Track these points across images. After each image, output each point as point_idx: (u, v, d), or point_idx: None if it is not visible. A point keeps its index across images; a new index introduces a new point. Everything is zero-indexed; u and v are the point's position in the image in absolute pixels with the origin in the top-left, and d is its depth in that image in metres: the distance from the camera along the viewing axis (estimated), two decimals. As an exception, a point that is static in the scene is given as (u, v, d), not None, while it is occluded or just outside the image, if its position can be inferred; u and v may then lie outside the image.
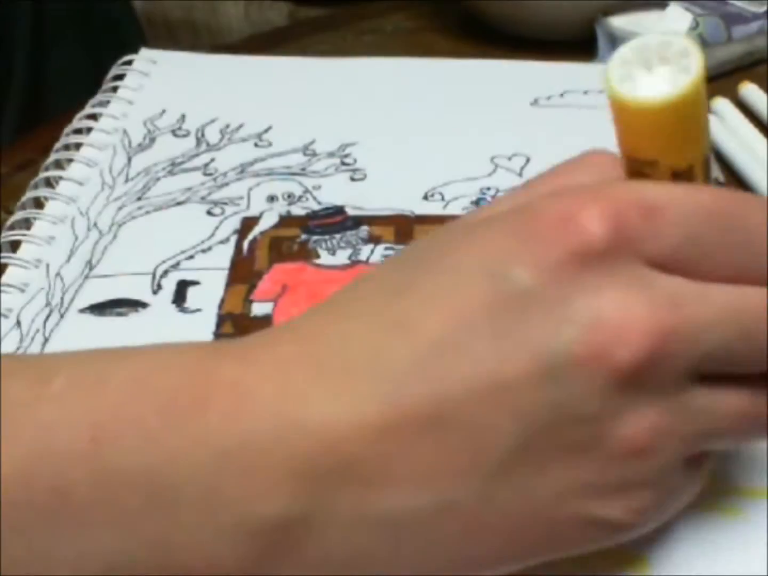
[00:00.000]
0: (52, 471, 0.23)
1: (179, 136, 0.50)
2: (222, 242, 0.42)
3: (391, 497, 0.23)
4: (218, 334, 0.37)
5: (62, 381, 0.24)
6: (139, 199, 0.45)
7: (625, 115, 0.25)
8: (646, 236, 0.24)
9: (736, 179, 0.51)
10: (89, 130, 0.49)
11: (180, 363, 0.25)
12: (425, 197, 0.45)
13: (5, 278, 0.40)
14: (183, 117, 0.51)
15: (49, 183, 0.46)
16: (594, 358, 0.23)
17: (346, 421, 0.23)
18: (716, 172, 0.49)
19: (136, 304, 0.38)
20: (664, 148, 0.25)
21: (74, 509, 0.23)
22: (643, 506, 0.25)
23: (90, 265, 0.41)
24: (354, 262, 0.40)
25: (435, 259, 0.25)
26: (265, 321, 0.37)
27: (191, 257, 0.41)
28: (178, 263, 0.41)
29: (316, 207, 0.44)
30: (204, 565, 0.23)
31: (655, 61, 0.24)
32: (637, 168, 0.26)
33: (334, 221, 0.43)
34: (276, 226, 0.43)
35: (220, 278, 0.40)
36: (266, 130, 0.50)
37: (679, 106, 0.24)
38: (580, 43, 0.61)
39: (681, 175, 0.25)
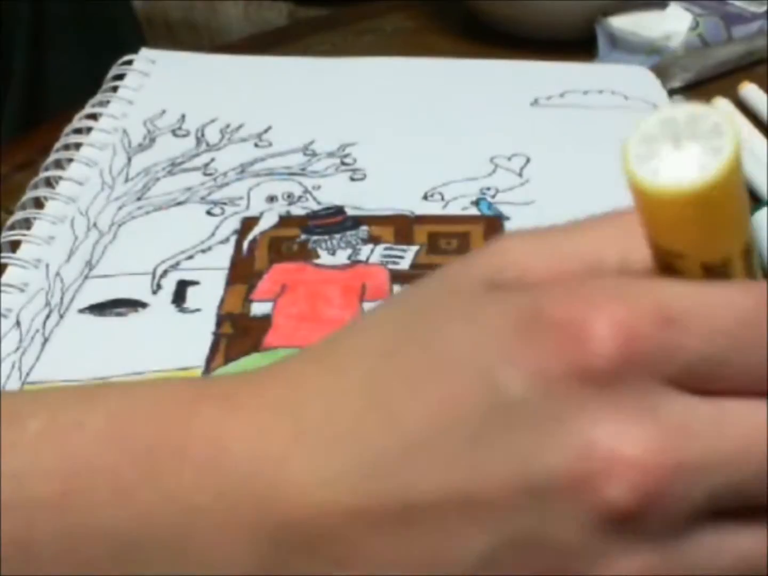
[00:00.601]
0: (18, 522, 0.22)
1: (179, 136, 0.49)
2: (222, 242, 0.42)
3: None
4: (217, 334, 0.37)
5: (37, 425, 0.23)
6: (138, 199, 0.45)
7: (646, 202, 0.21)
8: (662, 353, 0.21)
9: (736, 179, 0.51)
10: (89, 130, 0.49)
11: (159, 409, 0.24)
12: (425, 197, 0.45)
13: (5, 278, 0.40)
14: (183, 117, 0.51)
15: (49, 183, 0.46)
16: (579, 490, 0.21)
17: (320, 497, 0.22)
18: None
19: (135, 304, 0.38)
20: (693, 240, 0.21)
21: (37, 563, 0.22)
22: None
23: (90, 265, 0.41)
24: (353, 262, 0.40)
25: (430, 331, 0.23)
26: (265, 320, 0.37)
27: (191, 257, 0.41)
28: (177, 263, 0.41)
29: (315, 207, 0.44)
30: None
31: (684, 137, 0.20)
32: (664, 258, 0.22)
33: (333, 221, 0.43)
34: (276, 226, 0.43)
35: (220, 278, 0.40)
36: (266, 130, 0.50)
37: (710, 195, 0.20)
38: (580, 43, 0.61)
39: (714, 270, 0.22)
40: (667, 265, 0.22)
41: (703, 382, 0.21)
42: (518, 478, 0.21)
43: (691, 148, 0.20)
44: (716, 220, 0.21)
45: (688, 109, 0.20)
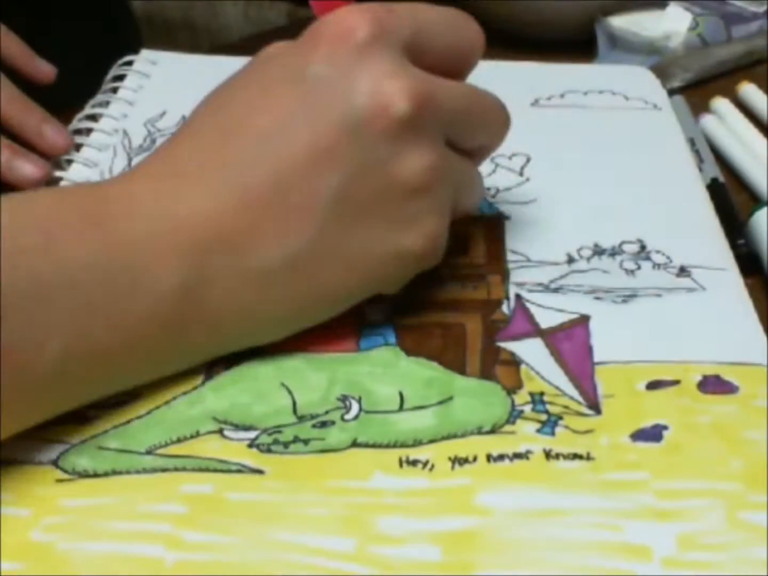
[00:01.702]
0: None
1: (179, 138, 0.49)
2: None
3: (256, 257, 0.32)
4: (219, 336, 0.37)
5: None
6: (139, 200, 0.45)
7: None
8: (394, 28, 0.34)
9: (736, 179, 0.51)
10: (89, 130, 0.49)
11: (87, 190, 0.34)
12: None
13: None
14: (184, 118, 0.51)
15: (49, 184, 0.46)
16: (379, 114, 0.32)
17: (210, 208, 0.32)
18: (716, 172, 0.49)
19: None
20: None
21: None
22: (435, 232, 0.35)
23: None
24: (354, 264, 0.40)
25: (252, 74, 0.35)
26: (266, 323, 0.37)
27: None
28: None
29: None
30: (134, 326, 0.31)
31: None
32: None
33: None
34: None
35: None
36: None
37: None
38: (580, 43, 0.61)
39: None
40: None
41: (422, 57, 0.35)
42: (342, 126, 0.32)
43: None
44: None
45: None
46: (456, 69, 0.37)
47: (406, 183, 0.33)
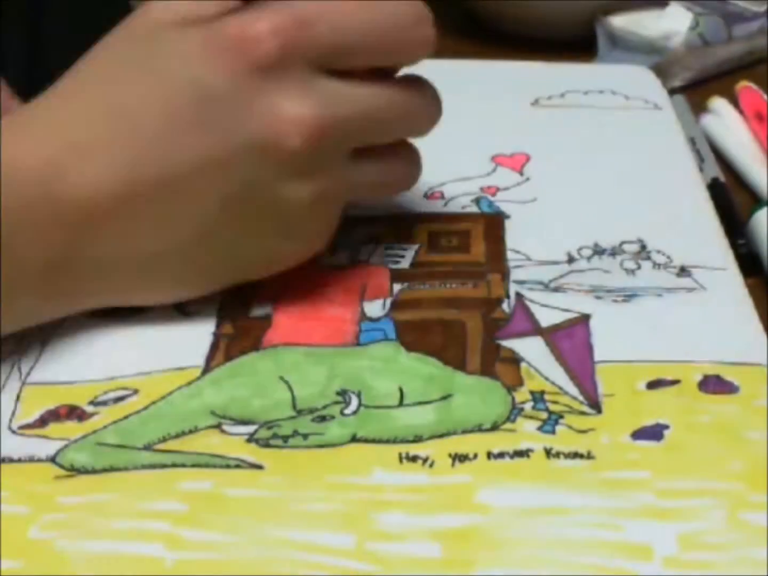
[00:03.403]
0: None
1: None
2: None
3: (134, 245, 0.33)
4: (217, 334, 0.37)
5: None
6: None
7: None
8: (306, 45, 0.33)
9: (736, 179, 0.51)
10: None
11: None
12: (425, 196, 0.45)
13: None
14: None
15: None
16: (274, 146, 0.32)
17: (94, 189, 0.32)
18: (716, 171, 0.49)
19: (137, 307, 0.38)
20: None
21: None
22: (319, 241, 0.37)
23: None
24: (354, 262, 0.40)
25: (142, 58, 0.34)
26: (265, 320, 0.37)
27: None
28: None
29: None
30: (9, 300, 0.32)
31: None
32: None
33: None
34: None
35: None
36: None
37: None
38: (580, 43, 0.61)
39: None
40: None
41: (341, 65, 0.34)
42: (233, 145, 0.32)
43: None
44: None
45: None
46: (397, 64, 0.37)
47: (294, 206, 0.34)
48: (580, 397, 0.33)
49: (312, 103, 0.33)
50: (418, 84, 0.37)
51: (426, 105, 0.38)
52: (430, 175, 0.46)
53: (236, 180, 0.33)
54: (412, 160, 0.39)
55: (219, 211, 0.33)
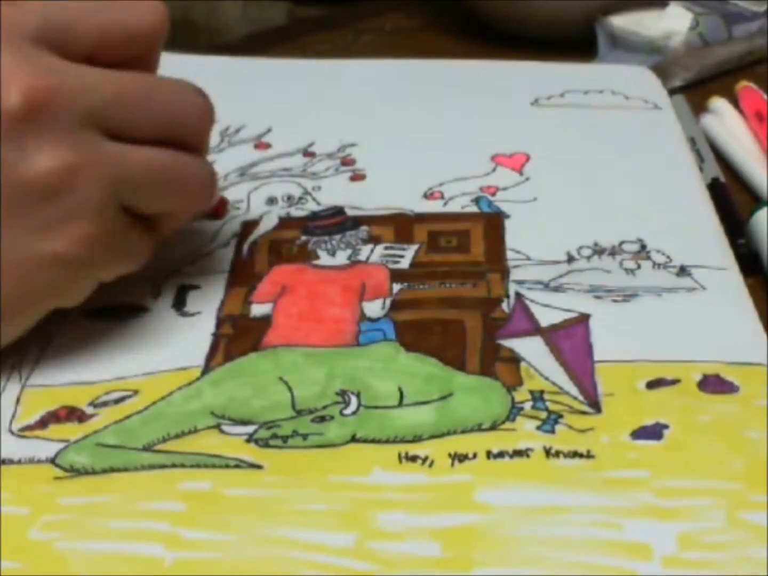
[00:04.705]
0: None
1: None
2: (222, 246, 0.42)
3: None
4: (217, 335, 0.37)
5: None
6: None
7: None
8: (17, 20, 0.31)
9: (736, 179, 0.51)
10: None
11: None
12: (425, 196, 0.45)
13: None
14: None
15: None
16: None
17: None
18: (716, 171, 0.49)
19: (136, 309, 0.38)
20: None
21: None
22: (83, 235, 0.32)
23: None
24: (353, 262, 0.40)
25: None
26: (265, 321, 0.37)
27: (192, 262, 0.41)
28: (178, 268, 0.40)
29: (315, 208, 0.44)
30: None
31: None
32: None
33: (333, 222, 0.43)
34: (276, 229, 0.43)
35: (221, 281, 0.40)
36: (266, 132, 0.50)
37: None
38: (580, 43, 0.61)
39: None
40: None
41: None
42: None
43: None
44: None
45: None
46: (133, 54, 0.34)
47: (34, 186, 0.31)
48: (580, 397, 0.33)
49: (30, 67, 0.31)
50: (175, 87, 0.35)
51: (184, 99, 0.35)
52: (430, 175, 0.46)
53: None
54: (199, 162, 0.36)
55: None
